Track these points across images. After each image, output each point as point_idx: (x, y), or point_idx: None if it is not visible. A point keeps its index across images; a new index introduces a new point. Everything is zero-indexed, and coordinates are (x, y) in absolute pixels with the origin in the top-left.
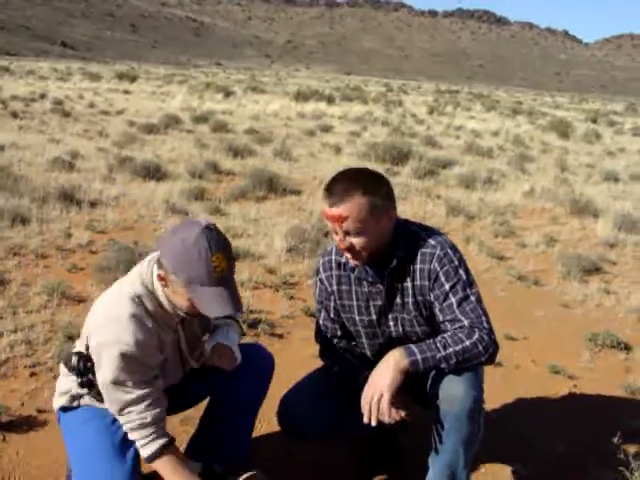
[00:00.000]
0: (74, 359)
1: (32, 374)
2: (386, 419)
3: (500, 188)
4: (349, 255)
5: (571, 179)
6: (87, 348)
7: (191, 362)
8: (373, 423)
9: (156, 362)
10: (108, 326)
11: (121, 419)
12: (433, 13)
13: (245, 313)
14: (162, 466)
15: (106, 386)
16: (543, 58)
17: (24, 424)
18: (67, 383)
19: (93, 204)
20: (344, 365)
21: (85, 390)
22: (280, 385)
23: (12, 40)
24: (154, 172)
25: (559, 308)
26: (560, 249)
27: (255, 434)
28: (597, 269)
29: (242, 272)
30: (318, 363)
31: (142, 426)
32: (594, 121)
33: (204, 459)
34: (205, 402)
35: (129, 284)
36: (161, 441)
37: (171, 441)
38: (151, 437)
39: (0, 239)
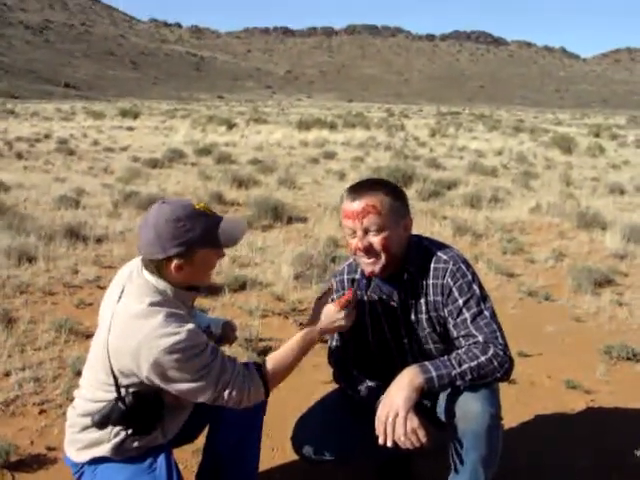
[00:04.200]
0: (119, 405)
1: (41, 411)
2: (402, 439)
3: (506, 206)
4: (366, 260)
5: (577, 193)
6: (120, 393)
7: None
8: (389, 444)
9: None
10: (152, 341)
11: (224, 396)
12: (430, 37)
13: (254, 341)
14: (275, 375)
15: (188, 387)
16: (542, 76)
17: (34, 463)
18: (101, 434)
19: (99, 240)
20: (358, 388)
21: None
22: (292, 411)
23: (16, 83)
24: None
25: (572, 322)
26: (569, 263)
27: (270, 461)
28: (608, 281)
29: (250, 301)
30: (330, 389)
31: (241, 384)
32: (597, 135)
33: None
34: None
35: (136, 303)
36: (256, 378)
37: (256, 364)
38: (251, 382)
39: (7, 278)
